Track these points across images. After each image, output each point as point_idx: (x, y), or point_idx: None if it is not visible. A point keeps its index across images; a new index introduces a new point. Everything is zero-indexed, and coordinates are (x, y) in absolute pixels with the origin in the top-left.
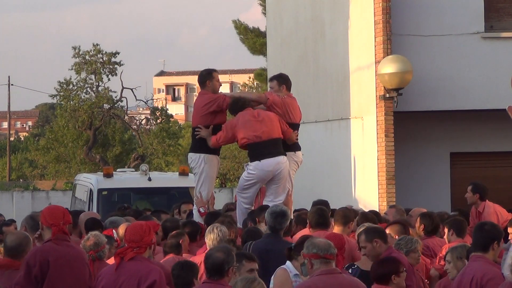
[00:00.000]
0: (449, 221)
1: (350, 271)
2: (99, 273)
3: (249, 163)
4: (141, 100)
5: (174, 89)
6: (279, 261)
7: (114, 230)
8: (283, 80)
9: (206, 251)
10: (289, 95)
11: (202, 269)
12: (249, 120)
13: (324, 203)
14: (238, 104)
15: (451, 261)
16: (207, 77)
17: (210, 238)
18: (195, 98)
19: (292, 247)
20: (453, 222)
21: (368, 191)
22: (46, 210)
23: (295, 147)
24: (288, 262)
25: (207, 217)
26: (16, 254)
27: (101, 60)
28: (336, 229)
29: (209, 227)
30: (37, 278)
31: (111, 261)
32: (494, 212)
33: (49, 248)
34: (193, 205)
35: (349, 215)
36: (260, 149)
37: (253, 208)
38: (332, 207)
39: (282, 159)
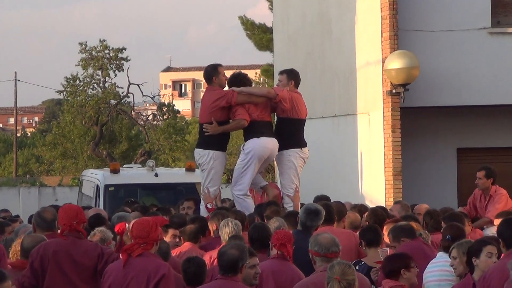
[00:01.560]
0: (447, 217)
1: (357, 267)
2: (105, 269)
3: (244, 143)
4: (147, 96)
5: (180, 85)
6: (307, 257)
7: (126, 224)
8: (293, 76)
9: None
10: (295, 91)
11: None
12: None
13: (325, 198)
14: (237, 78)
15: (457, 257)
16: (213, 72)
17: (226, 232)
18: (201, 94)
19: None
20: (450, 218)
21: (375, 186)
22: (61, 210)
23: (302, 143)
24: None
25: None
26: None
27: (108, 56)
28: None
29: (223, 221)
30: (37, 271)
31: None
32: (506, 193)
33: (52, 242)
34: (196, 201)
35: (343, 210)
36: (259, 128)
37: (250, 197)
38: None
39: (276, 141)
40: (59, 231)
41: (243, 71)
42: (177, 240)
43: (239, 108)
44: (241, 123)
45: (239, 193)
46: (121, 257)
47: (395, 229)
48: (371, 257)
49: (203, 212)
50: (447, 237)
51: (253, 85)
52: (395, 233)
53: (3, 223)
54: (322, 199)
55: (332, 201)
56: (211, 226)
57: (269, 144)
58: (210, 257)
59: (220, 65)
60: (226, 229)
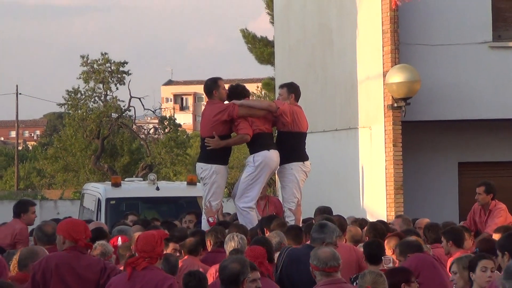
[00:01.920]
0: (447, 231)
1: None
2: (108, 282)
3: (253, 155)
4: (149, 109)
5: (182, 99)
6: (309, 273)
7: (119, 238)
8: (293, 89)
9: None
10: (295, 104)
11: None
12: None
13: (328, 209)
14: (237, 90)
15: (457, 272)
16: (213, 86)
17: (231, 246)
18: (203, 107)
19: None
20: (450, 233)
21: (376, 200)
22: (69, 225)
23: (304, 157)
24: None
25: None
26: (23, 267)
27: (109, 69)
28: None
29: (229, 235)
30: (39, 284)
31: None
32: (505, 208)
33: (54, 256)
34: (198, 215)
35: (344, 224)
36: (267, 140)
37: (255, 210)
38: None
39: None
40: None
41: (244, 84)
42: (178, 254)
43: (241, 122)
44: (244, 138)
45: (245, 205)
46: (123, 269)
47: (402, 244)
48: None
49: (205, 226)
50: (475, 250)
51: (253, 98)
52: (402, 248)
53: None
54: (324, 211)
55: (333, 214)
56: (207, 242)
57: (277, 157)
58: (215, 271)
59: (220, 78)
60: (232, 243)
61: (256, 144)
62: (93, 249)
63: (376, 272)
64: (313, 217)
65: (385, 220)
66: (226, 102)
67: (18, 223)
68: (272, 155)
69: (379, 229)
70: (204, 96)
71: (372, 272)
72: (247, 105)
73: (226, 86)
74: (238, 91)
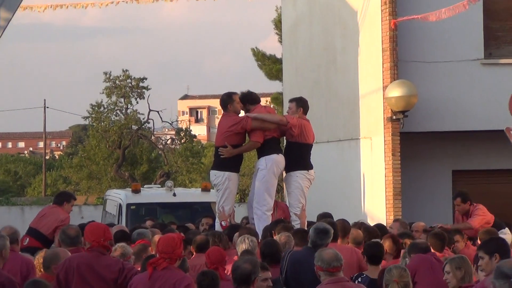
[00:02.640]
0: (430, 235)
1: (359, 279)
2: (131, 281)
3: (264, 158)
4: (166, 121)
5: (197, 112)
6: (312, 273)
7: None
8: (301, 104)
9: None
10: (303, 117)
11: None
12: None
13: (328, 215)
14: (251, 96)
15: (450, 271)
16: (228, 100)
17: (242, 248)
18: (216, 120)
19: None
20: (432, 236)
21: (376, 205)
22: (88, 228)
23: (308, 165)
24: None
25: (229, 229)
26: (47, 269)
27: (130, 84)
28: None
29: (240, 237)
30: (62, 283)
31: None
32: (483, 207)
33: (76, 256)
34: (213, 219)
35: (347, 227)
36: (276, 144)
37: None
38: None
39: None
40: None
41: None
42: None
43: (255, 129)
44: (255, 145)
45: (265, 208)
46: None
47: (410, 245)
48: (372, 270)
49: (218, 229)
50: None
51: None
52: (409, 249)
53: None
54: (325, 216)
55: (336, 219)
56: None
57: (283, 161)
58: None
59: (235, 93)
60: (243, 245)
61: (266, 147)
62: (113, 251)
63: (401, 267)
64: (315, 221)
65: (385, 224)
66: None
67: (61, 213)
68: (280, 159)
69: (372, 232)
70: (218, 109)
71: (397, 266)
72: (259, 119)
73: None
74: (252, 97)
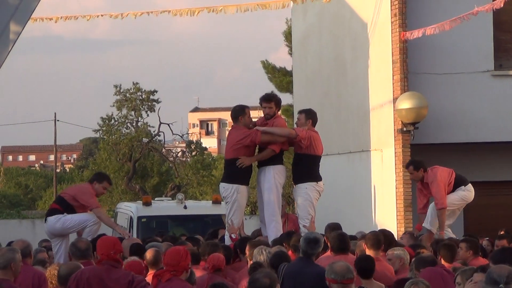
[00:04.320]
0: (441, 246)
1: None
2: None
3: (272, 168)
4: (177, 134)
5: (207, 124)
6: (310, 283)
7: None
8: (311, 115)
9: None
10: (312, 129)
11: None
12: None
13: (337, 226)
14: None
15: (461, 283)
16: (240, 112)
17: (260, 259)
18: (227, 132)
19: None
20: (443, 247)
21: (387, 217)
22: (99, 241)
23: (317, 177)
24: None
25: (239, 242)
26: (62, 284)
27: (140, 97)
28: (369, 252)
29: (257, 248)
30: None
31: None
32: (438, 171)
33: (87, 269)
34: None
35: (381, 239)
36: (282, 156)
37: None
38: (354, 232)
39: None
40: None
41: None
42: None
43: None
44: (272, 153)
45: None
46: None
47: (416, 260)
48: (369, 284)
49: (228, 242)
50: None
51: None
52: (416, 263)
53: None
54: (334, 227)
55: (347, 230)
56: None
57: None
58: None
59: (247, 107)
60: (261, 257)
61: (276, 158)
62: (125, 264)
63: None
64: (324, 233)
65: (395, 236)
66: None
67: (86, 187)
68: (284, 170)
69: (374, 239)
70: (228, 121)
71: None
72: (269, 132)
73: (251, 114)
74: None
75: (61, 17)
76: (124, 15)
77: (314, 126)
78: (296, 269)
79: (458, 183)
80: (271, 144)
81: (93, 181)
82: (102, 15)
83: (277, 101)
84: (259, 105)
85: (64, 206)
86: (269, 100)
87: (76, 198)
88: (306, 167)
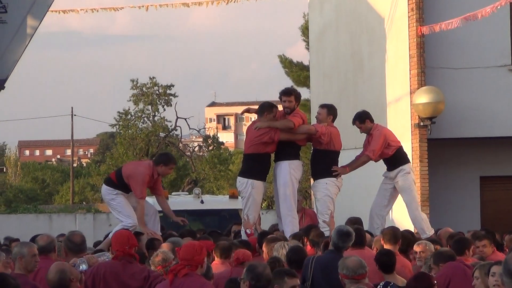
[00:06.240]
0: (453, 241)
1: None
2: None
3: (288, 164)
4: (194, 129)
5: (224, 119)
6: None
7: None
8: (332, 111)
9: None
10: (331, 125)
11: None
12: None
13: (358, 220)
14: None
15: (479, 277)
16: (268, 109)
17: (282, 253)
18: (244, 127)
19: None
20: (454, 242)
21: (403, 212)
22: (113, 237)
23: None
24: None
25: (259, 237)
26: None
27: (157, 92)
28: (387, 247)
29: (279, 243)
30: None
31: None
32: (382, 131)
33: (105, 264)
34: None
35: (398, 233)
36: (299, 150)
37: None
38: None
39: None
40: (112, 256)
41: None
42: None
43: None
44: (289, 124)
45: (294, 214)
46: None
47: (435, 254)
48: (392, 278)
49: (243, 237)
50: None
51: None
52: (435, 258)
53: None
54: (354, 222)
55: (362, 224)
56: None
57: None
58: None
59: (276, 107)
60: (283, 251)
61: (288, 151)
62: (155, 255)
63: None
64: None
65: (412, 230)
66: None
67: (144, 165)
68: (301, 165)
69: (391, 234)
70: (245, 116)
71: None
72: (288, 128)
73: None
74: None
75: (81, 10)
76: (145, 7)
77: (333, 122)
78: (328, 263)
79: (399, 158)
80: (290, 141)
81: (158, 164)
82: (121, 8)
83: (297, 95)
84: (278, 99)
85: (119, 180)
86: (289, 94)
87: (128, 179)
88: (326, 163)
